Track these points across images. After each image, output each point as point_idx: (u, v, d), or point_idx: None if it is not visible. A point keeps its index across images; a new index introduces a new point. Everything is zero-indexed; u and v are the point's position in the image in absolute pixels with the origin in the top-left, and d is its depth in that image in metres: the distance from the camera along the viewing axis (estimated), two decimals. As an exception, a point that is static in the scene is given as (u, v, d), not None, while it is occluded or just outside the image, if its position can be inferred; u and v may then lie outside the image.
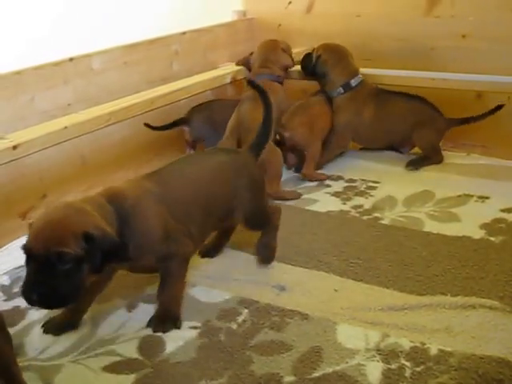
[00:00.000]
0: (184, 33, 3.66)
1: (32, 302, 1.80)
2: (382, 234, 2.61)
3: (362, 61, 3.54)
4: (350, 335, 1.98)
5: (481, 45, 3.33)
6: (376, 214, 2.79)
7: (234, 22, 4.07)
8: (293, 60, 3.50)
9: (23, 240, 1.83)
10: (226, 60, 3.88)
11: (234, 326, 2.07)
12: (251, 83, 2.45)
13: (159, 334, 2.05)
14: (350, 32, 3.64)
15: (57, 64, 3.01)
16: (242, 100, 3.23)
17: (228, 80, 3.52)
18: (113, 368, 1.90)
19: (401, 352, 1.88)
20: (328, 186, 3.15)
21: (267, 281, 2.31)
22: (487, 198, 2.86)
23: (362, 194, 3.02)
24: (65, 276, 1.77)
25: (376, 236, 2.60)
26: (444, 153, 3.34)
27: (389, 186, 3.06)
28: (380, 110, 3.33)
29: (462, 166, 3.24)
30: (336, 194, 3.04)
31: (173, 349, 1.97)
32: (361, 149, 3.58)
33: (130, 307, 2.22)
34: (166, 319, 2.08)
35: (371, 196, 2.99)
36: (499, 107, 3.19)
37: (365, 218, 2.77)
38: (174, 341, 2.01)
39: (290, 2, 3.95)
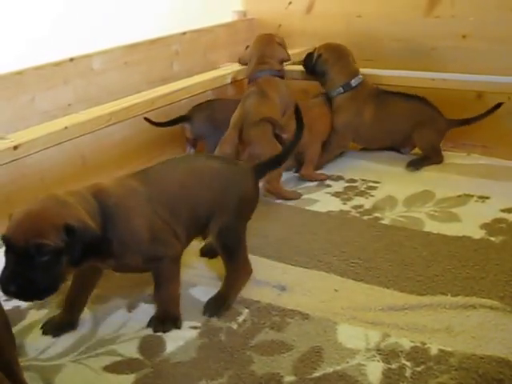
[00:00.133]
0: (184, 33, 3.66)
1: (9, 294, 1.79)
2: (383, 234, 2.61)
3: (363, 61, 3.53)
4: (351, 335, 1.98)
5: (481, 45, 3.33)
6: (376, 214, 2.79)
7: (234, 22, 4.07)
8: (288, 54, 3.49)
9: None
10: (226, 60, 3.88)
11: (235, 326, 2.07)
12: (296, 110, 2.36)
13: (159, 333, 2.05)
14: (351, 32, 3.64)
15: (57, 64, 3.01)
16: (247, 94, 3.23)
17: (228, 80, 3.52)
18: (113, 368, 1.91)
19: (401, 352, 1.88)
20: (328, 186, 3.15)
21: (268, 281, 2.31)
22: (487, 198, 2.86)
23: (362, 194, 3.02)
24: (43, 268, 1.76)
25: (376, 236, 2.60)
26: (444, 153, 3.34)
27: (389, 186, 3.07)
28: (380, 110, 3.33)
29: (463, 166, 3.24)
30: (336, 194, 3.04)
31: (173, 349, 1.97)
32: (361, 149, 3.58)
33: (131, 307, 2.22)
34: (165, 319, 2.08)
35: (371, 196, 2.99)
36: (498, 105, 3.20)
37: (365, 218, 2.77)
38: (175, 341, 2.01)
39: (290, 3, 3.95)
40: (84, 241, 1.79)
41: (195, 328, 2.07)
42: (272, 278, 2.33)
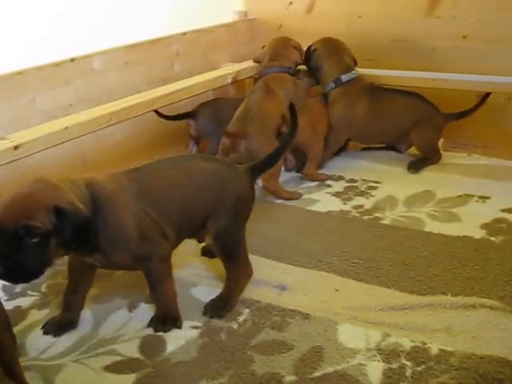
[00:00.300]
0: (185, 33, 3.66)
1: None
2: (383, 233, 2.61)
3: (363, 61, 3.54)
4: (351, 335, 1.98)
5: (482, 45, 3.33)
6: (377, 214, 2.79)
7: (235, 22, 4.07)
8: (302, 58, 3.51)
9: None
10: (226, 60, 3.88)
11: (235, 326, 2.07)
12: (290, 108, 2.33)
13: (160, 333, 2.05)
14: (351, 32, 3.64)
15: (58, 64, 3.01)
16: (253, 89, 3.25)
17: (229, 80, 3.52)
18: (114, 368, 1.91)
19: (401, 352, 1.88)
20: (329, 186, 3.15)
21: (268, 280, 2.32)
22: (488, 198, 2.86)
23: (362, 194, 3.02)
24: (32, 250, 1.76)
25: (377, 236, 2.60)
26: (445, 153, 3.34)
27: (389, 186, 3.07)
28: (374, 105, 3.31)
29: (463, 166, 3.25)
30: (337, 194, 3.04)
31: (174, 348, 1.98)
32: (362, 149, 3.59)
33: (131, 307, 2.22)
34: (165, 319, 2.08)
35: (372, 196, 2.99)
36: (487, 95, 3.21)
37: (365, 218, 2.77)
38: (175, 340, 2.01)
39: (290, 3, 3.95)
40: (74, 223, 1.79)
41: (196, 328, 2.07)
42: (272, 278, 2.33)
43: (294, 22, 3.87)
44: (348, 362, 1.86)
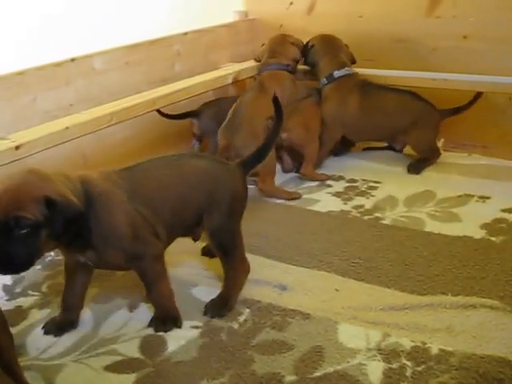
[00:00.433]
0: (186, 33, 3.66)
1: None
2: (383, 233, 2.62)
3: (364, 61, 3.54)
4: (352, 335, 1.98)
5: (482, 45, 3.33)
6: (377, 214, 2.79)
7: (235, 22, 4.07)
8: (300, 53, 3.53)
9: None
10: (227, 60, 3.88)
11: (236, 326, 2.07)
12: (274, 101, 2.29)
13: (161, 333, 2.05)
14: (352, 32, 3.63)
15: (59, 64, 3.01)
16: (248, 88, 3.25)
17: (230, 80, 3.53)
18: (114, 367, 1.91)
19: (402, 351, 1.88)
20: (329, 186, 3.16)
21: (269, 280, 2.32)
22: (488, 198, 2.86)
23: (363, 194, 3.02)
24: (22, 241, 1.75)
25: (377, 236, 2.60)
26: (445, 153, 3.34)
27: (390, 186, 3.07)
28: (366, 102, 3.29)
29: (463, 167, 3.25)
30: (337, 194, 3.04)
31: (174, 348, 1.98)
32: (364, 149, 3.58)
33: (132, 307, 2.22)
34: (165, 319, 2.08)
35: (372, 196, 2.99)
36: (479, 95, 3.21)
37: (366, 218, 2.78)
38: (176, 340, 2.01)
39: (291, 3, 3.95)
40: (65, 215, 1.78)
41: (196, 328, 2.07)
42: (273, 278, 2.33)
43: (295, 22, 3.87)
44: (348, 362, 1.86)
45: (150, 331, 2.07)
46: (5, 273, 1.86)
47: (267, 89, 3.18)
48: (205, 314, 2.15)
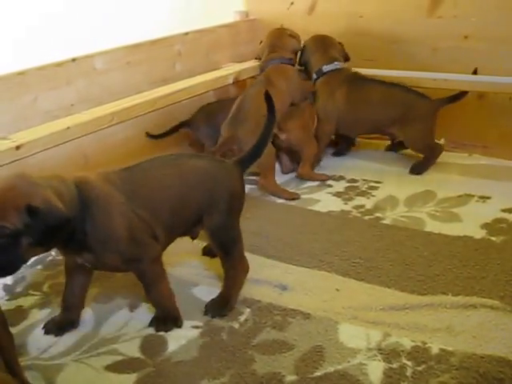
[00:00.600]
0: (187, 33, 3.67)
1: None
2: (384, 233, 2.62)
3: (364, 61, 3.55)
4: (352, 334, 1.98)
5: (483, 45, 3.33)
6: (377, 214, 2.79)
7: (236, 22, 4.08)
8: (300, 44, 3.55)
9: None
10: (228, 60, 3.88)
11: (236, 326, 2.08)
12: (266, 96, 2.29)
13: (161, 333, 2.06)
14: (353, 32, 3.64)
15: (59, 64, 3.01)
16: (253, 83, 3.25)
17: (230, 80, 3.53)
18: (115, 367, 1.91)
19: (402, 351, 1.88)
20: (329, 186, 3.16)
21: (269, 280, 2.32)
22: (488, 198, 2.86)
23: (363, 194, 3.03)
24: (1, 249, 1.73)
25: (377, 236, 2.60)
26: (445, 153, 3.33)
27: (390, 186, 3.07)
28: (353, 94, 3.28)
29: (464, 167, 3.24)
30: (337, 194, 3.04)
31: (175, 348, 1.98)
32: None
33: (132, 307, 2.23)
34: (166, 319, 2.09)
35: (373, 196, 2.99)
36: (464, 93, 3.20)
37: (366, 217, 2.78)
38: (176, 340, 2.02)
39: (292, 3, 3.96)
40: (48, 222, 1.75)
41: (197, 327, 2.08)
42: (273, 278, 2.34)
43: (295, 22, 3.87)
44: (349, 362, 1.86)
45: (151, 331, 2.08)
46: None
47: (274, 82, 3.18)
48: (205, 313, 2.15)
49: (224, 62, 3.85)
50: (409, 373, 1.79)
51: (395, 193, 2.99)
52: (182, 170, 2.12)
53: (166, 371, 1.88)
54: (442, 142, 3.42)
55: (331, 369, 1.84)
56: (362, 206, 2.88)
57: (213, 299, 2.19)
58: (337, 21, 3.72)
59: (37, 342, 2.06)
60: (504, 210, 2.73)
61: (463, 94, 3.20)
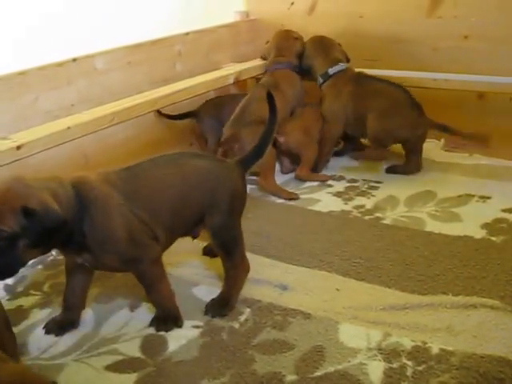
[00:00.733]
0: (187, 33, 3.67)
1: None
2: (384, 233, 2.62)
3: (365, 61, 3.55)
4: (352, 334, 1.98)
5: (483, 45, 3.34)
6: (378, 214, 2.80)
7: (236, 22, 4.08)
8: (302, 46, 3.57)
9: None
10: (228, 60, 3.89)
11: (237, 325, 2.08)
12: (268, 96, 2.28)
13: (161, 333, 2.06)
14: (353, 32, 3.64)
15: (60, 64, 3.02)
16: (260, 83, 3.26)
17: (231, 80, 3.53)
18: (115, 367, 1.91)
19: (402, 351, 1.88)
20: (330, 186, 3.16)
21: (269, 280, 2.32)
22: (488, 197, 2.86)
23: (363, 194, 3.03)
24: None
25: (378, 236, 2.60)
26: (445, 153, 3.34)
27: (390, 186, 3.07)
28: (357, 92, 3.25)
29: (464, 167, 3.24)
30: (338, 194, 3.04)
31: (175, 348, 1.98)
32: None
33: (133, 307, 2.23)
34: (166, 320, 2.09)
35: (373, 196, 2.99)
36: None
37: (366, 217, 2.78)
38: (177, 340, 2.02)
39: (292, 3, 3.96)
40: (44, 224, 1.75)
41: (197, 327, 2.08)
42: (274, 278, 2.34)
43: (296, 23, 3.87)
44: (349, 362, 1.86)
45: (151, 331, 2.08)
46: None
47: (281, 87, 3.22)
48: (205, 313, 2.15)
49: (224, 62, 3.86)
50: (409, 373, 1.79)
51: (395, 193, 2.99)
52: (184, 170, 2.11)
53: (166, 371, 1.88)
54: (441, 142, 3.42)
55: (331, 369, 1.84)
56: (363, 206, 2.89)
57: (213, 299, 2.19)
58: (337, 21, 3.73)
59: (37, 342, 2.06)
60: (504, 210, 2.73)
61: (448, 129, 3.14)
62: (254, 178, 3.15)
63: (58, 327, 2.11)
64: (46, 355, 1.99)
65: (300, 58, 3.53)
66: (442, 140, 3.42)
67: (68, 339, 2.07)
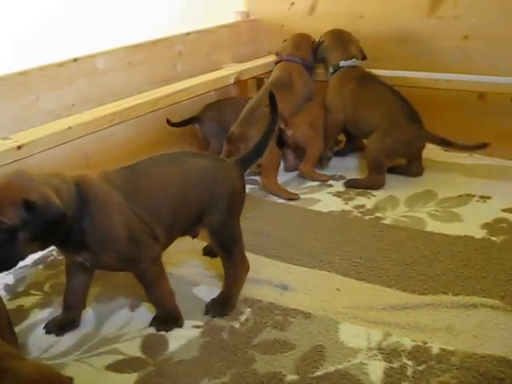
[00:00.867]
0: (188, 33, 3.67)
1: None
2: (384, 233, 2.62)
3: (365, 61, 3.55)
4: (353, 334, 1.98)
5: (483, 46, 3.34)
6: (378, 214, 2.80)
7: (237, 22, 4.08)
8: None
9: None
10: (229, 61, 3.89)
11: (237, 325, 2.08)
12: (270, 96, 2.26)
13: (162, 332, 2.06)
14: (353, 33, 3.63)
15: (61, 64, 3.02)
16: (270, 82, 3.28)
17: (232, 81, 3.53)
18: (116, 367, 1.91)
19: (403, 351, 1.88)
20: (330, 185, 3.16)
21: (270, 280, 2.32)
22: (489, 197, 2.87)
23: (363, 193, 3.03)
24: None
25: (378, 236, 2.60)
26: (446, 153, 3.33)
27: (390, 186, 3.07)
28: (360, 92, 3.25)
29: (464, 166, 3.24)
30: (338, 194, 3.04)
31: (176, 347, 1.98)
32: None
33: (133, 306, 2.23)
34: (166, 319, 2.09)
35: (373, 196, 2.99)
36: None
37: (367, 217, 2.78)
38: (177, 339, 2.02)
39: (292, 3, 3.96)
40: (45, 218, 1.75)
41: (198, 327, 2.08)
42: (274, 278, 2.34)
43: (296, 23, 3.88)
44: (349, 361, 1.86)
45: (152, 330, 2.08)
46: None
47: (294, 82, 3.29)
48: (206, 313, 2.15)
49: (225, 62, 3.86)
50: (409, 372, 1.79)
51: (396, 193, 2.99)
52: (183, 169, 2.11)
53: (166, 371, 1.88)
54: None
55: (332, 368, 1.84)
56: (363, 206, 2.89)
57: (213, 299, 2.19)
58: (337, 21, 3.72)
59: (38, 342, 2.06)
60: (504, 210, 2.74)
61: (447, 142, 3.09)
62: (255, 177, 3.15)
63: (58, 327, 2.11)
64: (46, 355, 1.99)
65: (314, 59, 3.56)
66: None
67: (68, 339, 2.07)
